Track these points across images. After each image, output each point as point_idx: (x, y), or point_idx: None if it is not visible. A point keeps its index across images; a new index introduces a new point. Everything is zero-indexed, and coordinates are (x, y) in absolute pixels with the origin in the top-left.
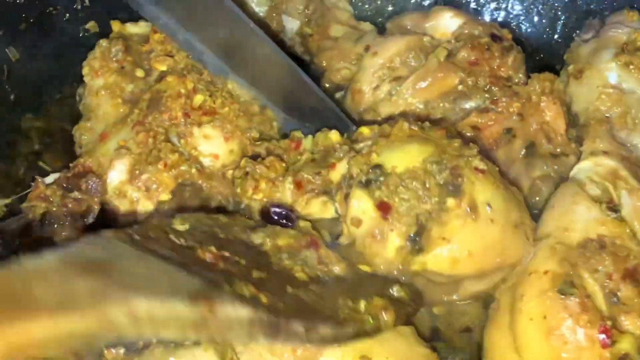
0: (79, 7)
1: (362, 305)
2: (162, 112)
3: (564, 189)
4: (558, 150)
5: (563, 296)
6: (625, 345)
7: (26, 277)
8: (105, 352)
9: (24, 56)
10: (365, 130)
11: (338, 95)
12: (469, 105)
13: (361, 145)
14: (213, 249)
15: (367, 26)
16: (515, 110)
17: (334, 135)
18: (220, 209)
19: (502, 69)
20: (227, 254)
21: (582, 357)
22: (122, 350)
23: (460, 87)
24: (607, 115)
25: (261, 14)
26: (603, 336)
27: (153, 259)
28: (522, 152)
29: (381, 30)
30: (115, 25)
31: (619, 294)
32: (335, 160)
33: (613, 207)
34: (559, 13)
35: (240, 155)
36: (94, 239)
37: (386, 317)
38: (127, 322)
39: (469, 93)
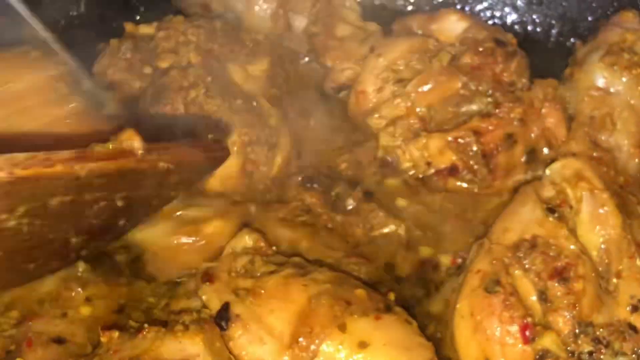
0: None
1: None
2: (164, 104)
3: (520, 191)
4: (559, 156)
5: (488, 294)
6: (546, 341)
7: None
8: (101, 334)
9: None
10: None
11: (342, 94)
12: (471, 108)
13: None
14: None
15: (373, 26)
16: (516, 116)
17: None
18: None
19: (504, 74)
20: None
21: (506, 353)
22: (116, 334)
23: (462, 91)
24: (591, 117)
25: (268, 12)
26: (524, 332)
27: None
28: (523, 158)
29: (387, 31)
30: (128, 27)
31: (547, 292)
32: None
33: (552, 208)
34: (553, 21)
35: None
36: None
37: None
38: None
39: (472, 97)
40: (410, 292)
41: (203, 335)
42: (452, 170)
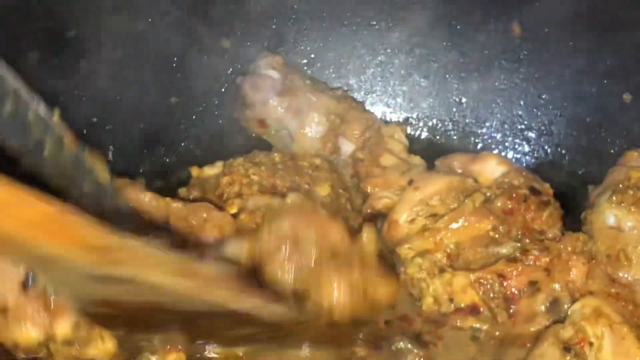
0: None
1: None
2: None
3: (541, 335)
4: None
5: None
6: None
7: None
8: None
9: None
10: None
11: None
12: (499, 251)
13: None
14: None
15: (417, 160)
16: (542, 265)
17: None
18: None
19: (536, 222)
20: None
21: None
22: None
23: (492, 233)
24: (607, 255)
25: (319, 134)
26: None
27: None
28: (544, 307)
29: (430, 166)
30: (194, 171)
31: None
32: None
33: (569, 347)
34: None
35: None
36: None
37: None
38: None
39: (500, 240)
40: None
41: None
42: (473, 310)
